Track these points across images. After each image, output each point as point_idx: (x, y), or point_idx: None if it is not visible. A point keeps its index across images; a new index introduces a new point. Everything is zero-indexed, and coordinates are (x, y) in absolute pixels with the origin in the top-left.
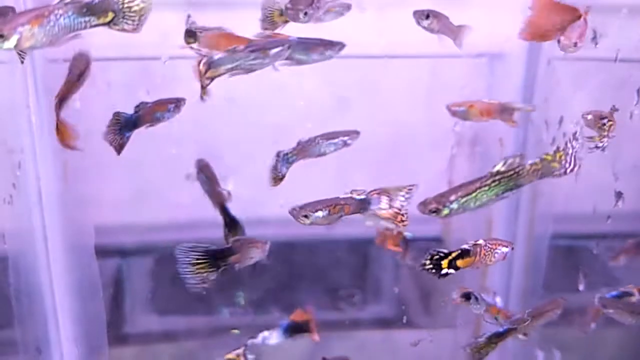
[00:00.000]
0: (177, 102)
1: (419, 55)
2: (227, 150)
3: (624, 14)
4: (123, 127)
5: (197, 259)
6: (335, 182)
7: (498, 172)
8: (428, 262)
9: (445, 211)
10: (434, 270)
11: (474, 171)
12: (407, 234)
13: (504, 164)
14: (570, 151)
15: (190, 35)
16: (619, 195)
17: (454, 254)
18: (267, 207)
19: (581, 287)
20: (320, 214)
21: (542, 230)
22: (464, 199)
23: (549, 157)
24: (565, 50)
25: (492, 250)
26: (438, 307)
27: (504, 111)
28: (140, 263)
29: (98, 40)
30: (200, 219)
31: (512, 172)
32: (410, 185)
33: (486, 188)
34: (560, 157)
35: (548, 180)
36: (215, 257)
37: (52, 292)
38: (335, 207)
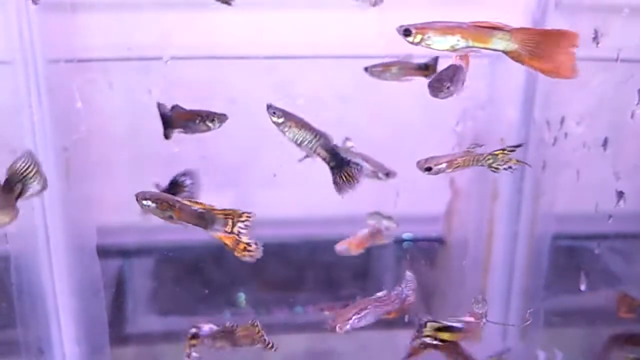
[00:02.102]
0: (212, 117)
1: (420, 55)
2: (229, 150)
3: (626, 13)
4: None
5: None
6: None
7: None
8: None
9: None
10: None
11: (475, 171)
12: (407, 234)
13: None
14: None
15: None
16: (620, 194)
17: None
18: (268, 207)
19: (583, 287)
20: (147, 203)
21: (543, 230)
22: None
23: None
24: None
25: None
26: (439, 308)
27: (373, 235)
28: (141, 263)
29: (98, 40)
30: None
31: None
32: (249, 213)
33: None
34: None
35: (549, 180)
36: None
37: (54, 292)
38: (162, 204)
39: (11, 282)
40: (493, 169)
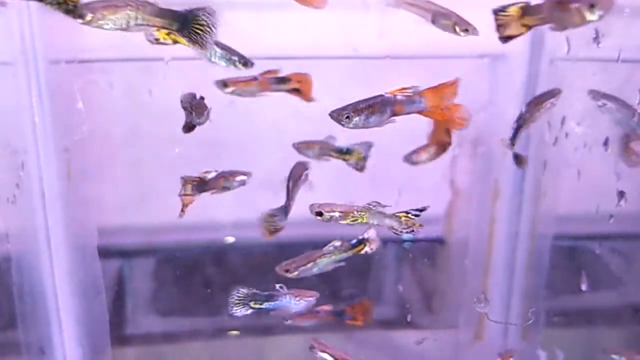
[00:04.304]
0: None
1: (420, 56)
2: (229, 151)
3: (627, 14)
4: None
5: None
6: (336, 184)
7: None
8: None
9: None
10: None
11: (475, 171)
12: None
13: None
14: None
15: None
16: (621, 194)
17: None
18: (267, 208)
19: (584, 287)
20: None
21: (544, 230)
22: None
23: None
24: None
25: None
26: (439, 308)
27: None
28: (142, 264)
29: (99, 41)
30: (203, 221)
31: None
32: None
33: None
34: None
35: (550, 180)
36: None
37: (55, 292)
38: None
39: (12, 282)
40: (395, 231)
